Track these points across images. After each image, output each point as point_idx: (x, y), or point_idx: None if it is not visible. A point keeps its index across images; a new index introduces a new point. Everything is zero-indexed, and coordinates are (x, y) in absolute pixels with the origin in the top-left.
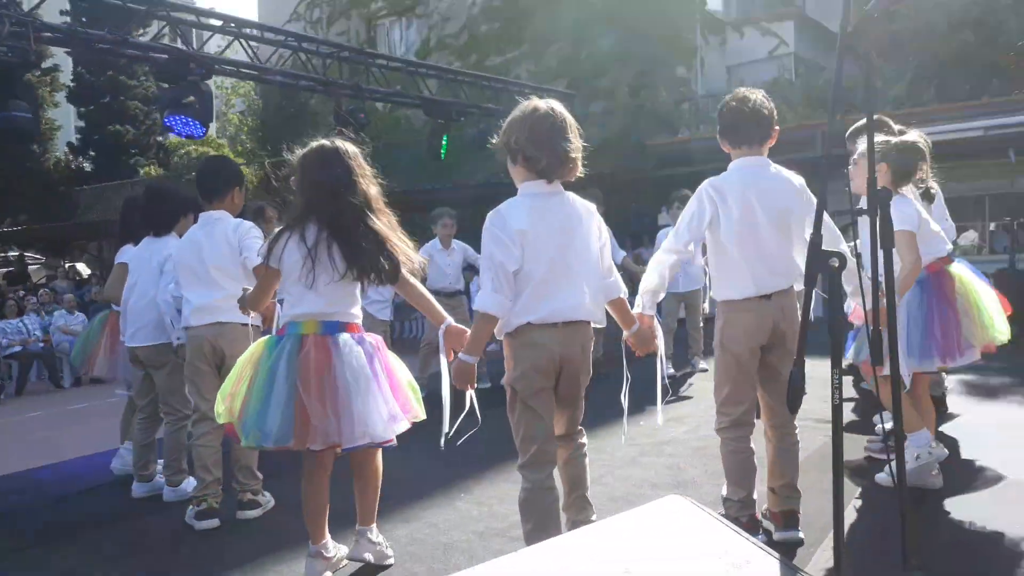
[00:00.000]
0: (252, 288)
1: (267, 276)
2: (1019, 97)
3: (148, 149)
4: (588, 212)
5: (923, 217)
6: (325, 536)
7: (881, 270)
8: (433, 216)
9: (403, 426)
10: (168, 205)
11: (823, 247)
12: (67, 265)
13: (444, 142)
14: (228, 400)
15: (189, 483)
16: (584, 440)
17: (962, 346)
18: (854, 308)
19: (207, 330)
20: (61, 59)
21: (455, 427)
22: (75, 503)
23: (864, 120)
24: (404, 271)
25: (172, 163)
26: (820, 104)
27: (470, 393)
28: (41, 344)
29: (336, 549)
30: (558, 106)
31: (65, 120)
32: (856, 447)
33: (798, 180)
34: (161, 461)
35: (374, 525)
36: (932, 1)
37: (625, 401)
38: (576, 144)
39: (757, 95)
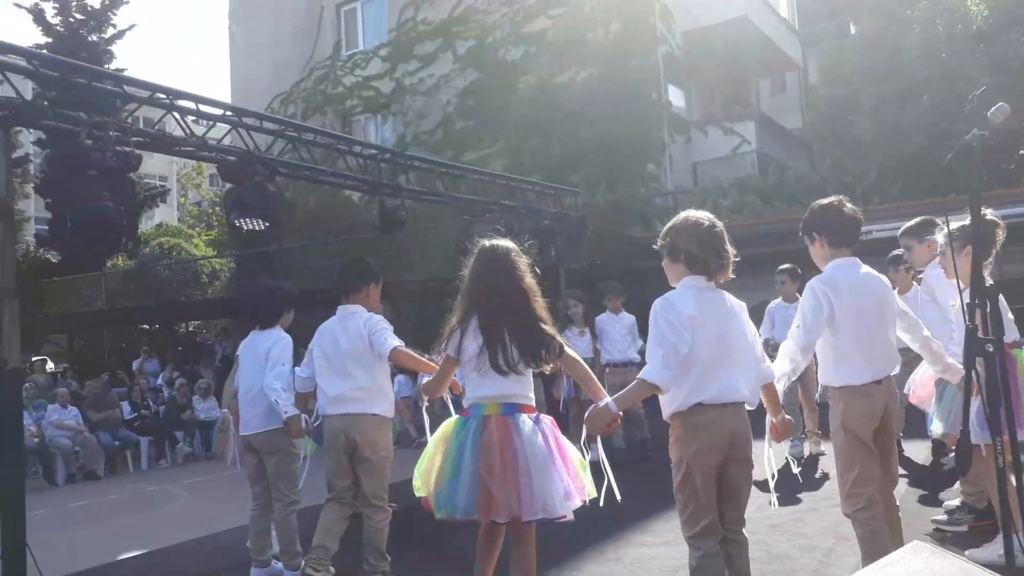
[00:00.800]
0: (431, 378)
1: (447, 364)
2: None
3: None
4: (741, 306)
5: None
6: None
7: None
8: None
9: (576, 503)
10: (275, 302)
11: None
12: (34, 359)
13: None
14: (424, 476)
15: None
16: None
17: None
18: (913, 390)
19: (339, 421)
20: (29, 147)
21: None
22: None
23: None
24: (567, 350)
25: (141, 254)
26: (792, 199)
27: (597, 445)
28: (35, 440)
29: None
30: (714, 218)
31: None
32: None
33: (883, 277)
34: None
35: None
36: (890, 107)
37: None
38: (732, 251)
39: (848, 203)
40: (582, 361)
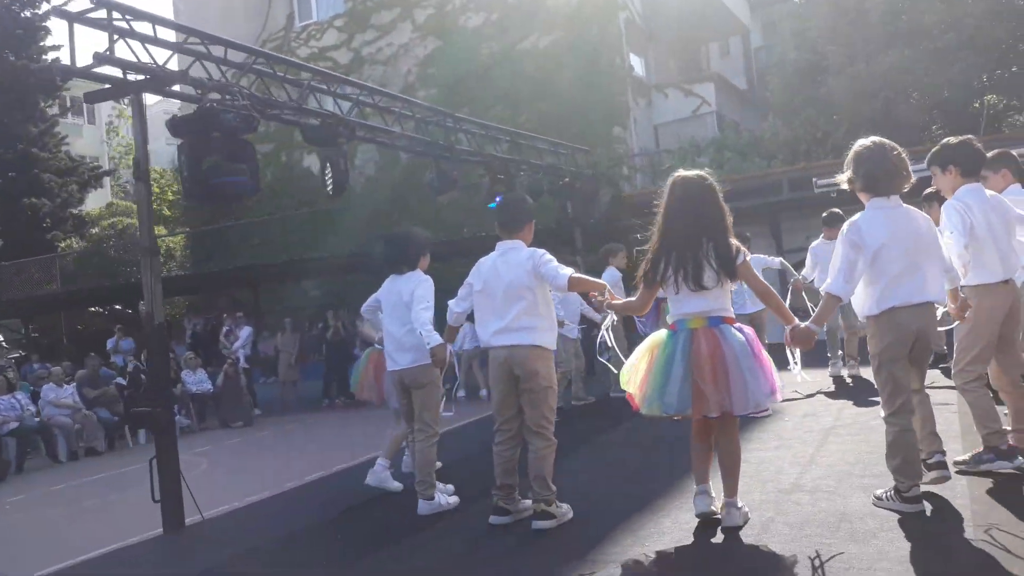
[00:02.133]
0: (624, 301)
1: (651, 288)
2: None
3: (64, 222)
4: (926, 219)
5: None
6: (708, 481)
7: None
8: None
9: (779, 398)
10: (417, 246)
11: None
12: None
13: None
14: (632, 376)
15: (441, 497)
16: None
17: None
18: None
19: (503, 352)
20: None
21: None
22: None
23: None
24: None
25: (91, 234)
26: (769, 155)
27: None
28: (36, 419)
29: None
30: (885, 140)
31: None
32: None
33: (1005, 199)
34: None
35: (737, 496)
36: (857, 66)
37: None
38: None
39: (976, 141)
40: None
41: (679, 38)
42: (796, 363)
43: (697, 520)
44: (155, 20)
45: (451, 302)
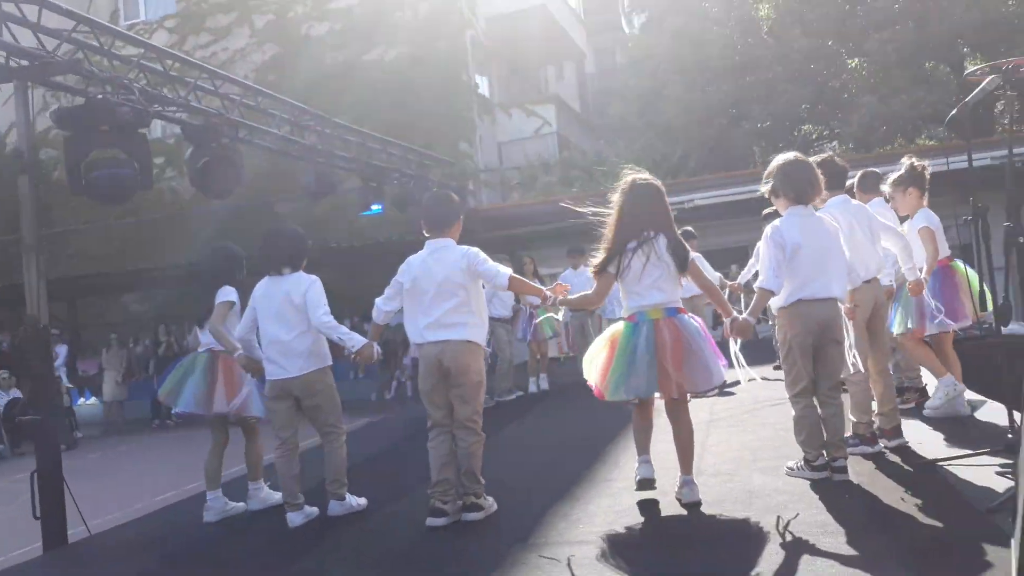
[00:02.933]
0: (579, 296)
1: (607, 280)
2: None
3: None
4: (833, 226)
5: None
6: (649, 452)
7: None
8: None
9: (724, 375)
10: (302, 244)
11: None
12: None
13: (375, 207)
14: (591, 369)
15: (352, 498)
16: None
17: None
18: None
19: (434, 348)
20: None
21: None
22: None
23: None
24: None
25: None
26: (612, 176)
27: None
28: None
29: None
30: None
31: None
32: None
33: None
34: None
35: (692, 472)
36: (695, 94)
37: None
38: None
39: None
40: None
41: (520, 60)
42: (741, 365)
43: (601, 510)
44: (43, 4)
45: (379, 300)
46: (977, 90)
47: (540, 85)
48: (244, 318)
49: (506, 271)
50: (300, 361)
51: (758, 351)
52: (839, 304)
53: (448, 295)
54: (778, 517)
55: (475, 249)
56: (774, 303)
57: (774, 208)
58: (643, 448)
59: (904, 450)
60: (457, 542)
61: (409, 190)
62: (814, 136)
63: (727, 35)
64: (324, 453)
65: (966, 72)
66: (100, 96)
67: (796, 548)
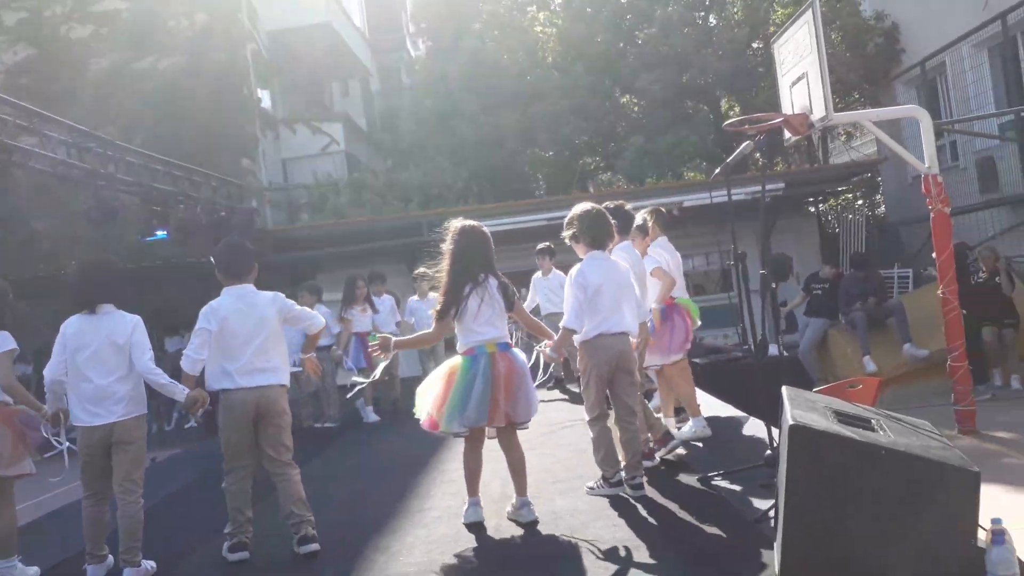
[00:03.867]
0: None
1: (446, 324)
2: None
3: None
4: (626, 268)
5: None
6: (478, 493)
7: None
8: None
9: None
10: (121, 278)
11: None
12: None
13: (160, 233)
14: (425, 403)
15: (147, 562)
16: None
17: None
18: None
19: (250, 393)
20: None
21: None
22: None
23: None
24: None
25: None
26: (405, 198)
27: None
28: None
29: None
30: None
31: None
32: None
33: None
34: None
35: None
36: (489, 116)
37: None
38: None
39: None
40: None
41: (304, 75)
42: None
43: (419, 541)
44: None
45: (189, 351)
46: (736, 154)
47: (325, 101)
48: (54, 360)
49: (320, 317)
50: (120, 407)
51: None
52: (630, 338)
53: (259, 340)
54: (583, 537)
55: (280, 294)
56: (576, 337)
57: (547, 244)
58: (473, 489)
59: (681, 465)
60: None
61: (195, 214)
62: (592, 167)
63: (519, 63)
64: (119, 512)
65: (725, 123)
66: None
67: (603, 565)
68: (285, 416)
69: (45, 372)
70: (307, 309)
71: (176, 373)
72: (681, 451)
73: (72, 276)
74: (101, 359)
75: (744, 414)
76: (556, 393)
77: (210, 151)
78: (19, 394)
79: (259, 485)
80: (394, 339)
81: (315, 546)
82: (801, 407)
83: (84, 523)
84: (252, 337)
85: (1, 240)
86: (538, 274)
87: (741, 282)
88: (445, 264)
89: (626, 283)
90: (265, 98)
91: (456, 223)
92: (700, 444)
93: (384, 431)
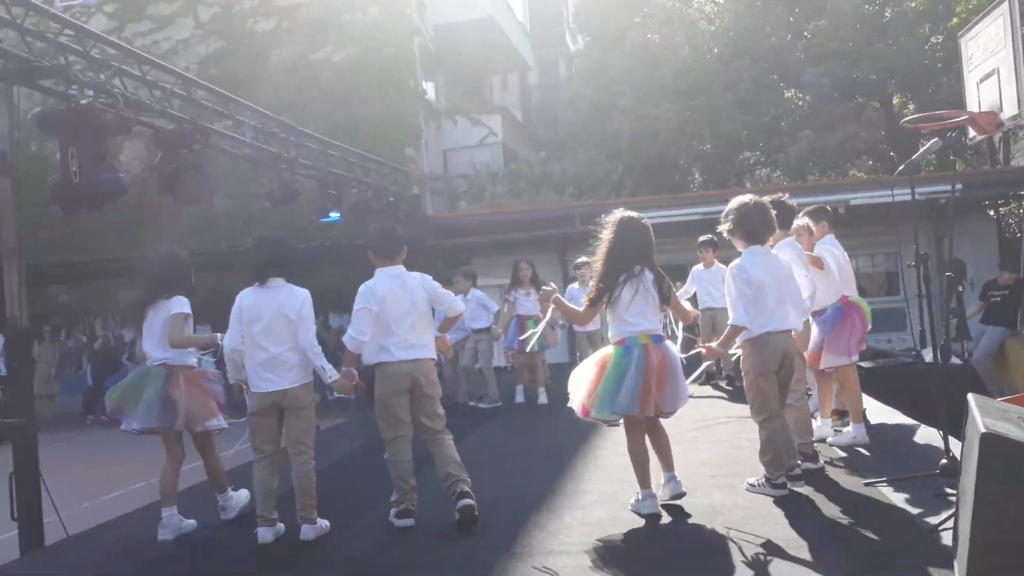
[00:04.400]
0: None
1: (595, 308)
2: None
3: None
4: (788, 262)
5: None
6: (650, 484)
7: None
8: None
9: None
10: (290, 256)
11: None
12: None
13: (334, 215)
14: (578, 391)
15: (322, 521)
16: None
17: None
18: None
19: (406, 365)
20: None
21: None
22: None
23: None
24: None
25: None
26: (559, 188)
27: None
28: None
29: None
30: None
31: None
32: None
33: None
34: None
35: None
36: (647, 109)
37: None
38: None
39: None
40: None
41: (465, 68)
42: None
43: (576, 522)
44: (29, 6)
45: (353, 332)
46: (922, 151)
47: (484, 94)
48: (232, 330)
49: (459, 302)
50: (291, 374)
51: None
52: (792, 335)
53: (412, 317)
54: (741, 532)
55: (428, 277)
56: (741, 335)
57: (710, 236)
58: (645, 480)
59: (845, 470)
60: (442, 549)
61: (366, 199)
62: (752, 162)
63: (683, 58)
64: (294, 475)
65: (903, 120)
66: (85, 102)
67: (763, 563)
68: (437, 387)
69: (224, 342)
70: (449, 293)
71: (335, 349)
72: (841, 452)
73: (248, 251)
74: (273, 330)
75: (913, 421)
76: (708, 389)
77: (377, 140)
78: (192, 342)
79: (417, 460)
80: (555, 295)
81: (471, 502)
82: (992, 416)
83: (255, 486)
84: (407, 315)
85: (186, 217)
86: (699, 266)
87: (922, 284)
88: (602, 252)
89: (788, 278)
90: (429, 90)
91: (617, 213)
92: (864, 451)
93: (537, 415)
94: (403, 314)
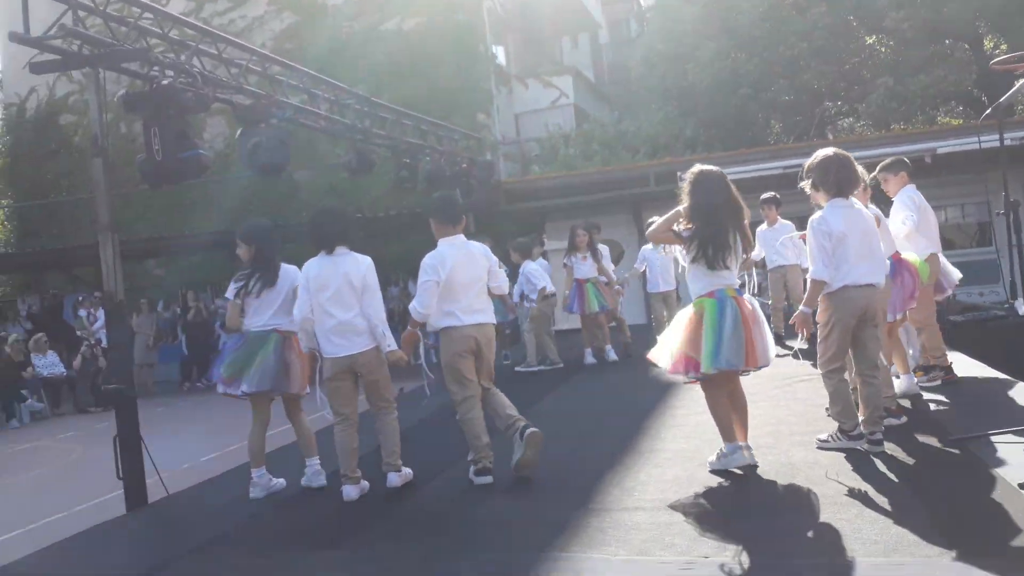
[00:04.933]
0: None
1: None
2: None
3: None
4: (872, 217)
5: None
6: (735, 437)
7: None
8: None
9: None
10: (353, 225)
11: None
12: None
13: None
14: (671, 349)
15: (406, 469)
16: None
17: None
18: None
19: (472, 329)
20: None
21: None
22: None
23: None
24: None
25: None
26: (633, 149)
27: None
28: None
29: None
30: (838, 149)
31: None
32: None
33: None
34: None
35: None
36: (724, 61)
37: None
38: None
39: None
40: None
41: (535, 30)
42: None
43: (652, 479)
44: None
45: (419, 304)
46: (1011, 92)
47: (555, 56)
48: (301, 299)
49: (506, 282)
50: (362, 339)
51: None
52: (877, 290)
53: (477, 285)
54: (822, 489)
55: (488, 249)
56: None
57: (773, 193)
58: (729, 434)
59: (931, 426)
60: (521, 505)
61: (440, 166)
62: (832, 112)
63: (758, 5)
64: (379, 428)
65: (992, 62)
66: (166, 83)
67: (843, 517)
68: (492, 349)
69: (295, 312)
70: (502, 273)
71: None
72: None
73: (310, 223)
74: (342, 296)
75: (1006, 376)
76: (778, 348)
77: (449, 107)
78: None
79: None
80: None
81: (536, 429)
82: None
83: (337, 447)
84: (473, 282)
85: (269, 190)
86: (763, 225)
87: (1013, 233)
88: (687, 206)
89: (872, 231)
90: (499, 55)
91: (696, 167)
92: (952, 406)
93: (611, 373)
94: (470, 281)
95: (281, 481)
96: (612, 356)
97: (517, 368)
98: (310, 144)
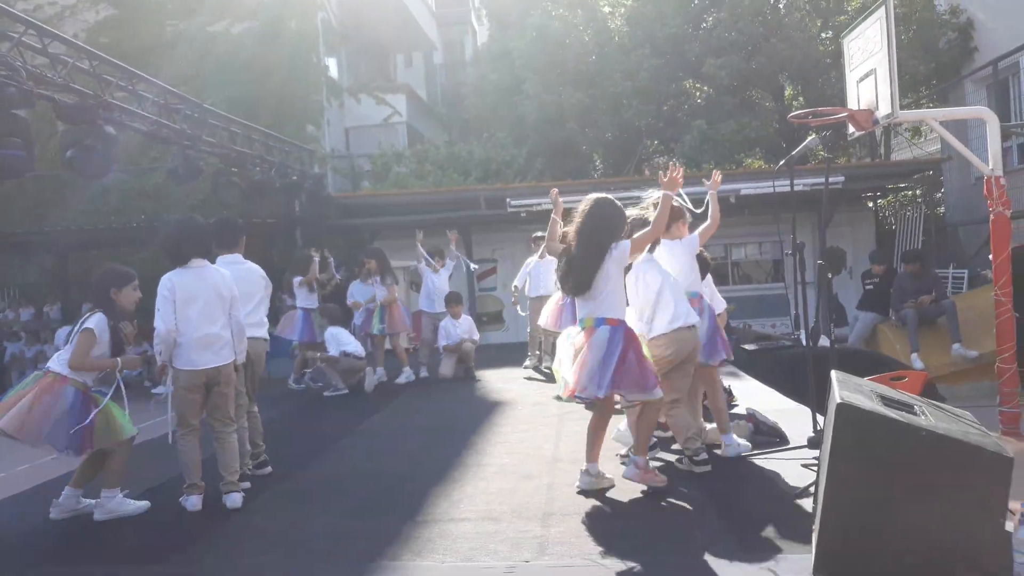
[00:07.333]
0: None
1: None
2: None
3: None
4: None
5: None
6: (597, 460)
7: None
8: None
9: None
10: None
11: None
12: None
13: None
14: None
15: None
16: None
17: None
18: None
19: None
20: None
21: None
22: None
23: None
24: None
25: None
26: (464, 171)
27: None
28: None
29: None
30: None
31: None
32: None
33: None
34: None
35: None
36: (551, 95)
37: None
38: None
39: None
40: None
41: (370, 45)
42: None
43: (478, 492)
44: None
45: (160, 322)
46: (801, 147)
47: (389, 72)
48: (164, 311)
49: None
50: (226, 351)
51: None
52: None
53: (249, 301)
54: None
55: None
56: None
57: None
58: (594, 455)
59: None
60: (353, 517)
61: (270, 177)
62: (651, 150)
63: (584, 43)
64: (219, 447)
65: (789, 115)
66: None
67: (652, 520)
68: (262, 364)
69: (157, 324)
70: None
71: None
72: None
73: (166, 234)
74: (209, 308)
75: (788, 400)
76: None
77: (278, 116)
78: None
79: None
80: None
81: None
82: (849, 389)
83: (182, 458)
84: (242, 299)
85: (78, 195)
86: (533, 257)
87: (797, 271)
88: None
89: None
90: (332, 67)
91: (591, 196)
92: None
93: (442, 394)
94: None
95: (91, 502)
96: (403, 378)
97: (325, 392)
98: (123, 145)
